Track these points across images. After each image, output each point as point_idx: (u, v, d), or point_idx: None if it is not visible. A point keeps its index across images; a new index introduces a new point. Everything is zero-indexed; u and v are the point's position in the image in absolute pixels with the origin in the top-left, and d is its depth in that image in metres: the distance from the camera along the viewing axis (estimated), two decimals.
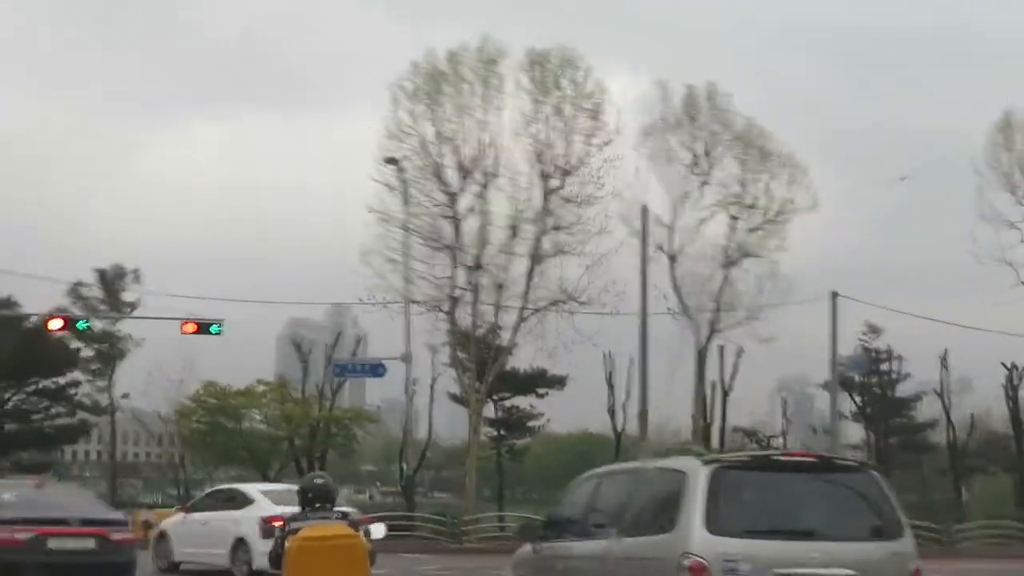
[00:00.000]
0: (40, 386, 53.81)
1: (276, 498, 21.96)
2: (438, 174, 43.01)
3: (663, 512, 10.48)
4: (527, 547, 13.25)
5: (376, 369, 42.59)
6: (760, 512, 10.33)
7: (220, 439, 53.21)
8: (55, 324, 37.15)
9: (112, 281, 54.33)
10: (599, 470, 13.39)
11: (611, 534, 11.21)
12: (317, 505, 9.80)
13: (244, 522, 21.79)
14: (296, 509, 10.14)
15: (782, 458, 11.21)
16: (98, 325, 53.54)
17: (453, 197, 42.89)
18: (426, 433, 52.53)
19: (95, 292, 54.34)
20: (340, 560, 9.39)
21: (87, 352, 55.36)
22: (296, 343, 55.31)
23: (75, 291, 52.54)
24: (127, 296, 54.88)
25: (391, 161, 41.56)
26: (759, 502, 10.36)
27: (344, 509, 10.39)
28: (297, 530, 9.57)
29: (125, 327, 54.82)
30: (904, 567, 10.46)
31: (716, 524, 9.88)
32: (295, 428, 51.31)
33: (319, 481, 10.13)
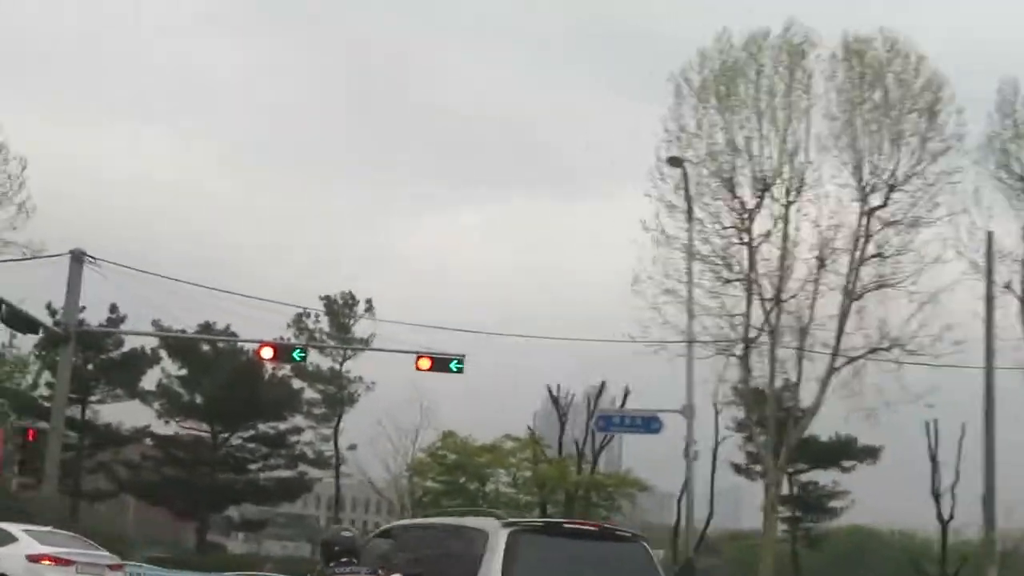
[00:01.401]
0: (258, 431, 50.87)
1: (39, 537, 23.66)
2: (730, 188, 37.70)
3: (463, 566, 11.77)
4: None
5: (650, 423, 37.22)
6: (547, 572, 11.85)
7: (459, 501, 48.82)
8: (266, 353, 34.19)
9: (340, 311, 50.96)
10: (399, 525, 15.17)
11: None
12: (344, 560, 10.24)
13: (8, 558, 22.76)
14: None
15: (567, 525, 13.31)
16: (324, 364, 50.33)
17: (747, 216, 37.44)
18: (701, 509, 46.77)
19: (322, 325, 50.96)
20: None
21: (311, 394, 52.09)
22: (551, 392, 50.43)
23: (299, 321, 49.54)
24: (357, 332, 51.23)
25: (675, 162, 36.59)
26: (547, 563, 11.88)
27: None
28: None
29: (354, 367, 51.20)
30: None
31: None
32: (549, 493, 46.42)
33: (347, 534, 10.70)
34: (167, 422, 51.47)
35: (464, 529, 12.55)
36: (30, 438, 37.04)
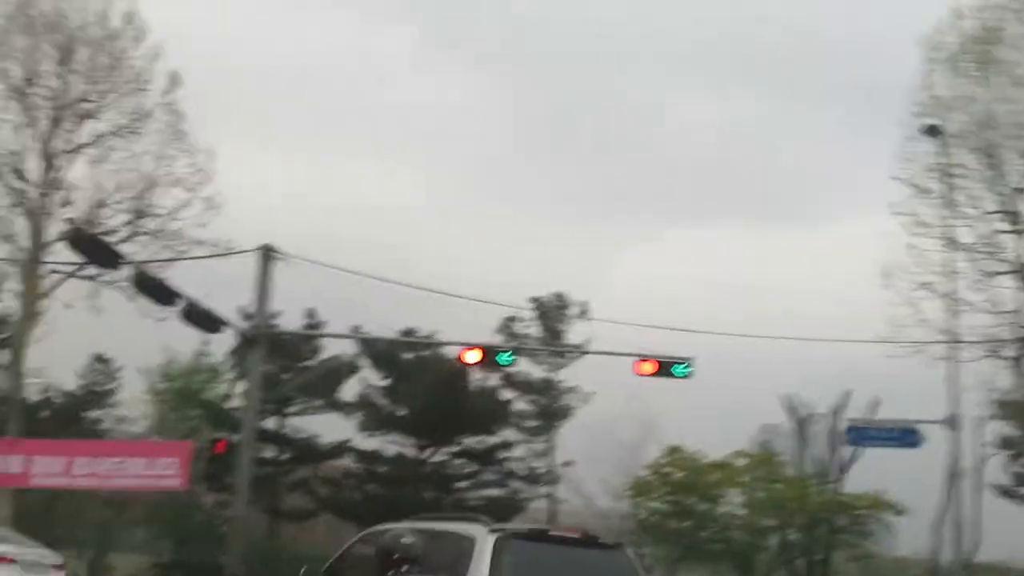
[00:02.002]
0: (465, 446, 48.51)
1: None
2: (994, 164, 33.68)
3: (452, 570, 12.82)
4: None
5: (907, 436, 33.33)
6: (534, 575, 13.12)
7: (687, 526, 45.32)
8: (472, 356, 31.98)
9: (551, 314, 48.21)
10: (383, 527, 15.89)
11: None
12: (403, 568, 10.31)
13: None
14: None
15: (552, 532, 15.00)
16: (535, 373, 47.66)
17: (1017, 196, 33.44)
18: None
19: (532, 331, 48.26)
20: None
21: (521, 406, 49.47)
22: (789, 403, 46.56)
23: (507, 327, 46.96)
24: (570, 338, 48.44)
25: (932, 131, 32.69)
26: (533, 569, 13.09)
27: None
28: None
29: (567, 377, 48.46)
30: None
31: None
32: (788, 517, 42.58)
33: (407, 540, 10.68)
34: (369, 436, 49.40)
35: (452, 535, 13.43)
36: (219, 450, 36.17)
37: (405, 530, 13.29)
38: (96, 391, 53.44)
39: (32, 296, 40.61)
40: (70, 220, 36.20)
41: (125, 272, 28.15)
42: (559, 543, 13.75)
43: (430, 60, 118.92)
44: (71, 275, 41.00)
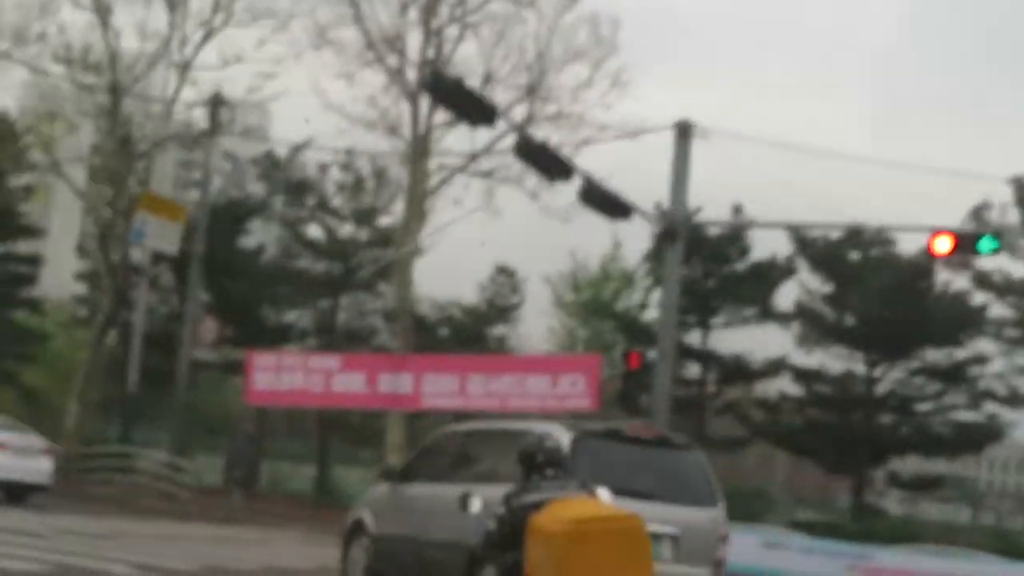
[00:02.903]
0: (927, 361, 42.12)
1: None
2: None
3: None
4: (384, 486, 17.70)
5: None
6: (609, 473, 13.33)
7: None
8: (942, 244, 25.92)
9: None
10: (462, 427, 17.75)
11: (487, 478, 14.07)
12: (548, 472, 9.63)
13: None
14: None
15: (628, 432, 14.97)
16: (1016, 272, 40.69)
17: None
18: None
19: (1012, 217, 41.08)
20: (628, 549, 9.00)
21: (999, 311, 42.55)
22: None
23: (978, 215, 39.95)
24: None
25: None
26: (609, 466, 13.73)
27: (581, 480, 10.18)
28: (536, 504, 9.18)
29: None
30: (716, 530, 14.81)
31: None
32: None
33: (550, 444, 10.10)
34: (808, 351, 43.79)
35: (531, 434, 12.57)
36: (632, 365, 33.07)
37: (544, 432, 12.63)
38: (498, 305, 49.92)
39: (418, 194, 37.08)
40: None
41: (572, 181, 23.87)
42: (634, 442, 14.71)
43: None
44: (460, 169, 37.37)
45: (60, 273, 62.97)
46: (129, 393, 39.52)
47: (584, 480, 10.10)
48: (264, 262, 48.68)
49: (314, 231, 48.19)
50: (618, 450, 13.87)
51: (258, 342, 40.56)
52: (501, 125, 23.85)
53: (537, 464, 9.59)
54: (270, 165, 47.86)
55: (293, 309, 48.14)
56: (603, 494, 11.59)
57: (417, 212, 37.58)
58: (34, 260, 52.19)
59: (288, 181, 47.34)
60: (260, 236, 50.68)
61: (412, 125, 36.99)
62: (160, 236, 38.06)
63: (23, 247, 52.51)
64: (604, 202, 25.53)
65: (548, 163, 22.54)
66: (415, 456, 18.03)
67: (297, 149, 45.97)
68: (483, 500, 11.32)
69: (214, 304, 45.50)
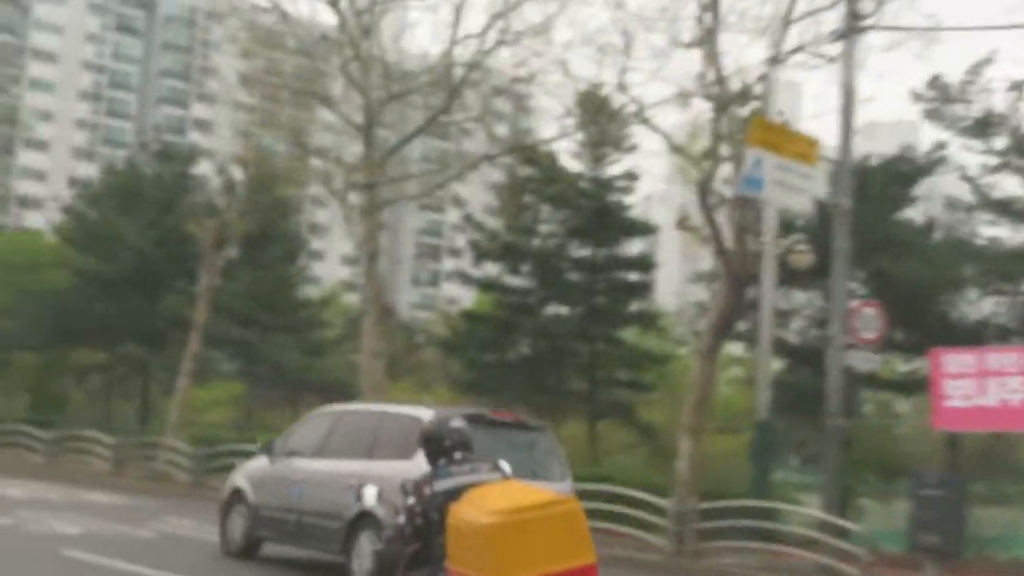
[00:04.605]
0: None
1: None
2: None
3: (403, 445, 15.91)
4: (263, 459, 19.58)
5: None
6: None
7: None
8: None
9: None
10: (334, 408, 20.19)
11: (360, 456, 17.18)
12: (457, 456, 8.71)
13: None
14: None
15: (489, 416, 16.85)
16: None
17: None
18: None
19: None
20: (569, 534, 8.04)
21: None
22: None
23: None
24: None
25: None
26: (477, 447, 12.65)
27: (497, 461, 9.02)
28: (451, 492, 8.31)
29: None
30: None
31: None
32: None
33: (457, 424, 8.99)
34: None
35: (399, 416, 16.84)
36: None
37: (453, 413, 11.76)
38: None
39: None
40: None
41: None
42: (494, 425, 16.43)
43: None
44: None
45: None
46: (758, 422, 27.71)
47: (495, 461, 8.86)
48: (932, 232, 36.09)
49: (1009, 185, 34.52)
50: (480, 432, 13.14)
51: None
52: None
53: (445, 448, 8.64)
54: (939, 96, 34.45)
55: (984, 298, 34.92)
56: (506, 467, 9.26)
57: None
58: (645, 264, 42.52)
59: (964, 117, 34.07)
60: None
61: None
62: (785, 185, 26.09)
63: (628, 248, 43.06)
64: None
65: None
66: (290, 433, 19.73)
67: (977, 68, 32.92)
68: (377, 490, 11.07)
69: (869, 295, 33.03)
